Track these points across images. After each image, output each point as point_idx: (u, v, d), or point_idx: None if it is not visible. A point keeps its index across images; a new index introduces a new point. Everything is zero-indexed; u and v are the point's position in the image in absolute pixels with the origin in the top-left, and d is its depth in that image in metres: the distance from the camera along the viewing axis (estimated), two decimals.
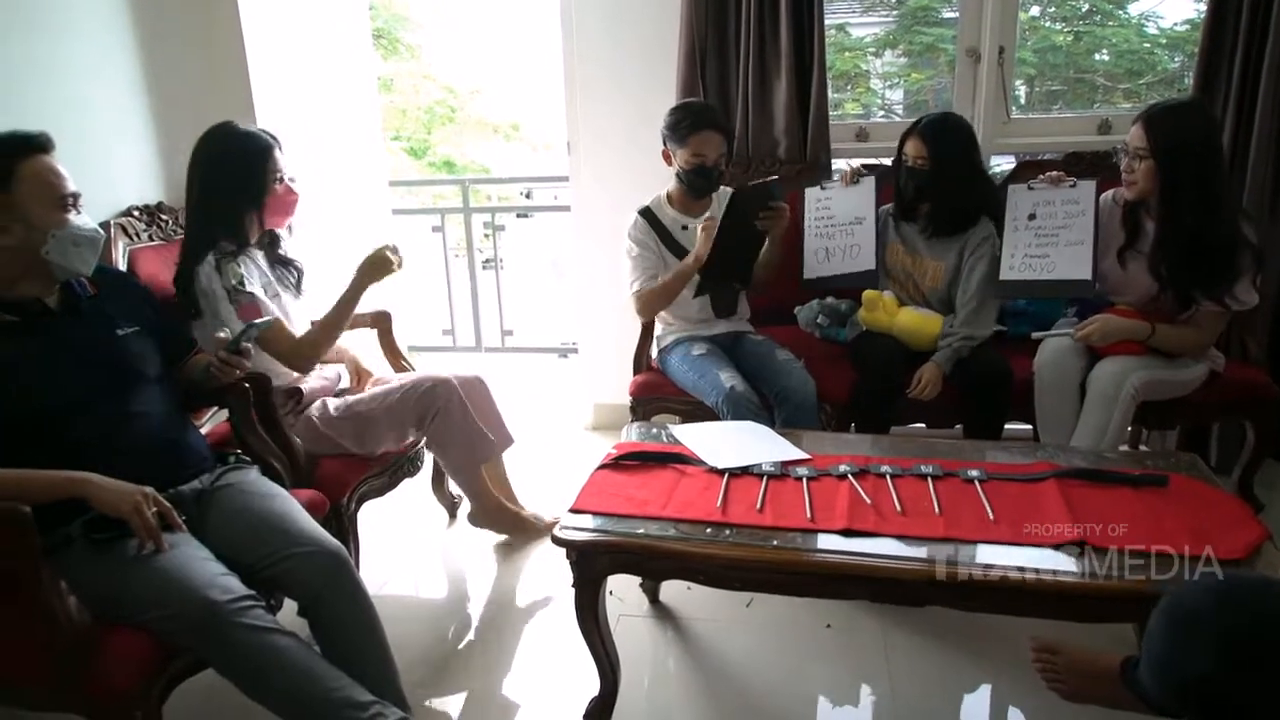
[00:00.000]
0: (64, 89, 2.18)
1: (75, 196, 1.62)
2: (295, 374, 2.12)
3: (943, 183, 2.36)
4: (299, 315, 2.17)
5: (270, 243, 2.19)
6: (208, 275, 1.97)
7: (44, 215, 1.56)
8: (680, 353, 2.44)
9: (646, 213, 2.53)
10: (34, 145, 1.57)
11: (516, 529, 2.51)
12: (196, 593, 1.42)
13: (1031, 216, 2.32)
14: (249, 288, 1.99)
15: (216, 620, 1.41)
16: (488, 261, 4.87)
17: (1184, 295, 2.18)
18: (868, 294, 2.43)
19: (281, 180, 2.09)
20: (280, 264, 2.21)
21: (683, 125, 2.39)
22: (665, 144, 2.46)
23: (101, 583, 1.45)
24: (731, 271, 2.44)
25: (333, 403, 2.16)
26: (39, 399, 1.55)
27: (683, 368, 2.41)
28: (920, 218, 2.47)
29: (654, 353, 2.60)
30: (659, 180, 2.61)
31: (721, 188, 2.52)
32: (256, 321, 1.85)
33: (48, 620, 1.34)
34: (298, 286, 2.24)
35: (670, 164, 2.48)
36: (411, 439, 2.25)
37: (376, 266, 2.15)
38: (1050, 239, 2.29)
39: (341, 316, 2.12)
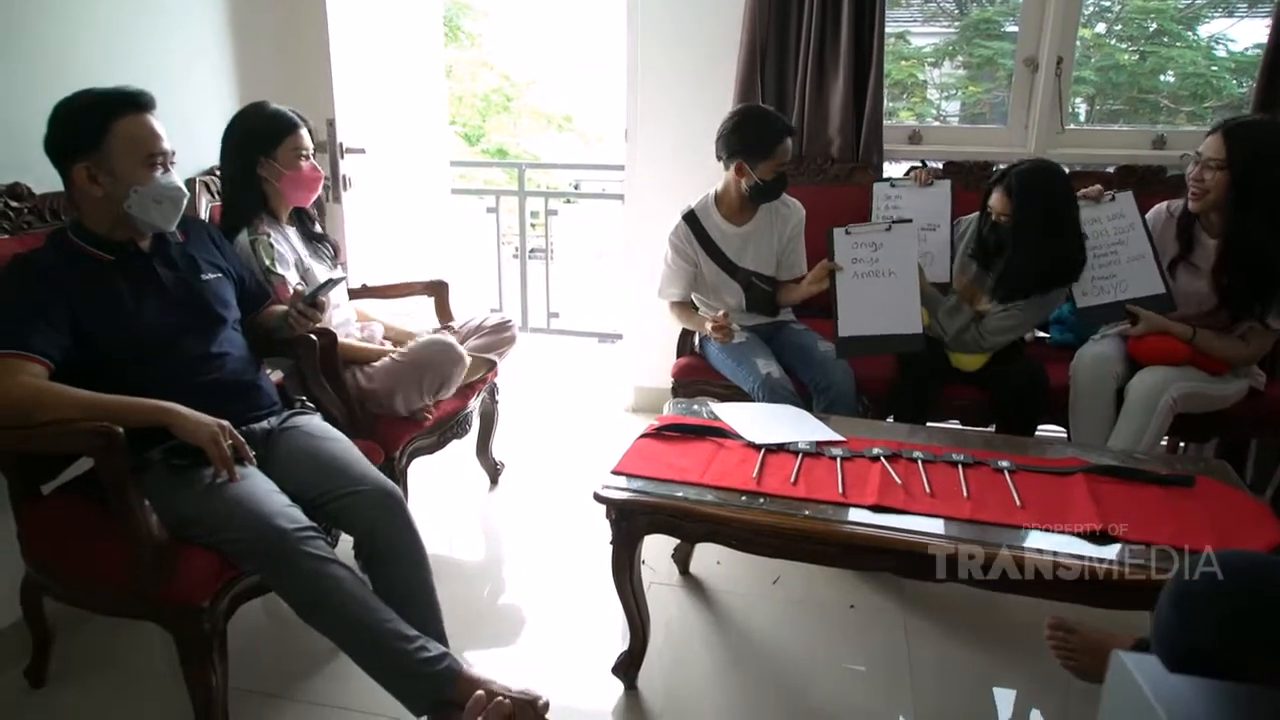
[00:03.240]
0: (164, 52, 2.31)
1: (165, 155, 1.69)
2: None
3: (1023, 243, 2.23)
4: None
5: (301, 220, 2.29)
6: (244, 254, 2.05)
7: (130, 172, 1.64)
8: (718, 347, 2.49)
9: (690, 217, 2.51)
10: (134, 103, 1.65)
11: None
12: (267, 520, 1.53)
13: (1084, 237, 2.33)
14: (279, 269, 2.08)
15: (283, 546, 1.52)
16: (534, 251, 4.99)
17: (1241, 309, 2.20)
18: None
19: (307, 158, 2.17)
20: (315, 239, 2.31)
21: (770, 136, 2.33)
22: (736, 158, 2.38)
23: (180, 504, 1.57)
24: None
25: (366, 368, 2.21)
26: (130, 333, 1.66)
27: (721, 355, 2.48)
28: (995, 271, 2.34)
29: (697, 338, 2.68)
30: (711, 173, 2.62)
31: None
32: (333, 277, 1.96)
33: (132, 532, 1.47)
34: (334, 259, 2.34)
35: (742, 176, 2.40)
36: (432, 402, 2.26)
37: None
38: (1110, 258, 2.29)
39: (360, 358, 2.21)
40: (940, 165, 2.82)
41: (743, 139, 2.36)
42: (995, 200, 2.27)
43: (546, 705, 1.53)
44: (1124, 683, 0.64)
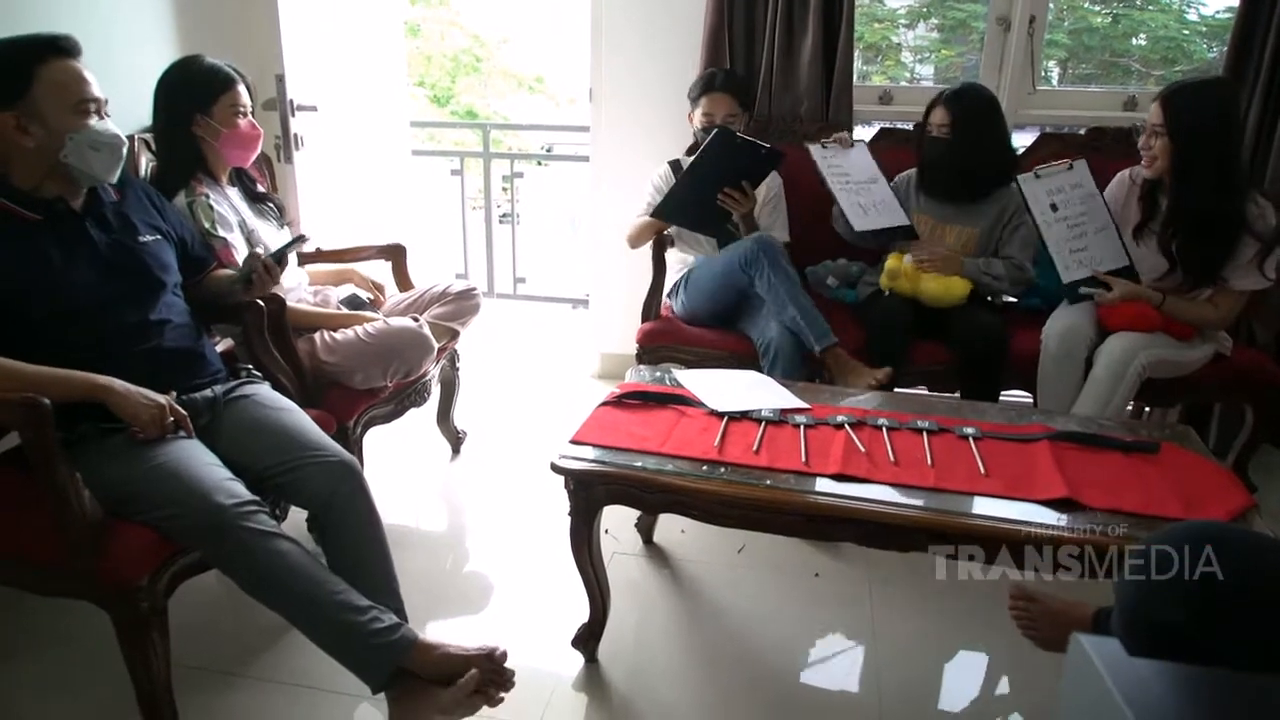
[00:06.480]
0: (101, 2, 2.19)
1: (98, 102, 1.61)
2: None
3: (965, 150, 2.41)
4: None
5: (242, 180, 2.19)
6: (183, 216, 1.95)
7: (62, 119, 1.56)
8: (702, 264, 2.56)
9: (675, 164, 2.67)
10: (57, 48, 1.57)
11: None
12: (205, 497, 1.46)
13: (1054, 208, 2.31)
14: (220, 232, 1.99)
15: (222, 523, 1.45)
16: (504, 216, 4.88)
17: (1196, 273, 2.19)
18: (890, 262, 2.44)
19: (245, 115, 2.07)
20: (258, 200, 2.21)
21: (696, 87, 2.59)
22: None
23: (114, 479, 1.49)
24: (702, 221, 2.56)
25: (328, 337, 2.12)
26: (60, 298, 1.57)
27: (708, 266, 2.52)
28: (944, 186, 2.51)
29: (668, 288, 2.67)
30: (678, 133, 2.66)
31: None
32: (301, 234, 1.90)
33: (63, 508, 1.40)
34: (281, 220, 2.25)
35: (692, 124, 2.63)
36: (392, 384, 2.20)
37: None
38: (1080, 228, 2.29)
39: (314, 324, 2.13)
40: (911, 127, 2.77)
41: (690, 88, 2.62)
42: (935, 116, 2.44)
43: (504, 655, 1.54)
44: (1083, 666, 0.60)
